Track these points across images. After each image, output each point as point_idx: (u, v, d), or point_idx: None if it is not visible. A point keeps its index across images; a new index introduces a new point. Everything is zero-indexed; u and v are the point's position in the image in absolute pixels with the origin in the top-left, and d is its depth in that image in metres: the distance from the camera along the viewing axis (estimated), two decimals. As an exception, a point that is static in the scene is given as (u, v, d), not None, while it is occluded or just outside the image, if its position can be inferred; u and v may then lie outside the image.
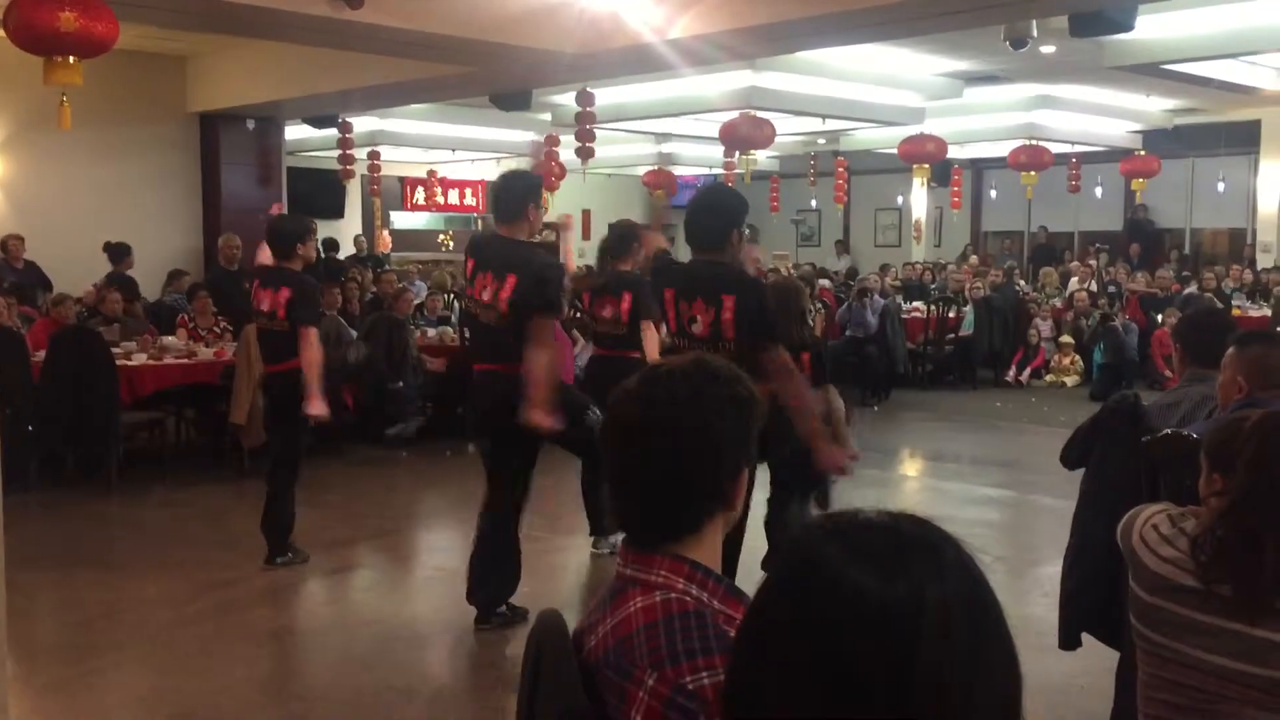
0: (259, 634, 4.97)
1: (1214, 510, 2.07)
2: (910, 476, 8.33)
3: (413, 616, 5.23)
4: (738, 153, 12.65)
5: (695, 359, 1.65)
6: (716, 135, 11.96)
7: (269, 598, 5.46)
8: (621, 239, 6.15)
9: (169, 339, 8.43)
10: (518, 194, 4.78)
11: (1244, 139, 15.33)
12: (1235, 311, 12.38)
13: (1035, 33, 8.11)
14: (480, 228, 19.89)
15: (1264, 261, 14.54)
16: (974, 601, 1.00)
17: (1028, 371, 12.45)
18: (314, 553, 6.36)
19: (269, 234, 5.94)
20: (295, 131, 12.94)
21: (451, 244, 19.33)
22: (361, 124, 13.41)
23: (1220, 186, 16.66)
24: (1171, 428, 3.32)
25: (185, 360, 8.04)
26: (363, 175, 14.85)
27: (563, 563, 5.96)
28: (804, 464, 4.42)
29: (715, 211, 4.36)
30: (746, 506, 1.72)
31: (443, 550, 6.64)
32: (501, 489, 4.86)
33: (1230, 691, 2.00)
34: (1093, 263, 15.41)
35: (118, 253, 10.26)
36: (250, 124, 11.61)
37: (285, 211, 13.70)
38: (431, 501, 7.68)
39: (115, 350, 7.79)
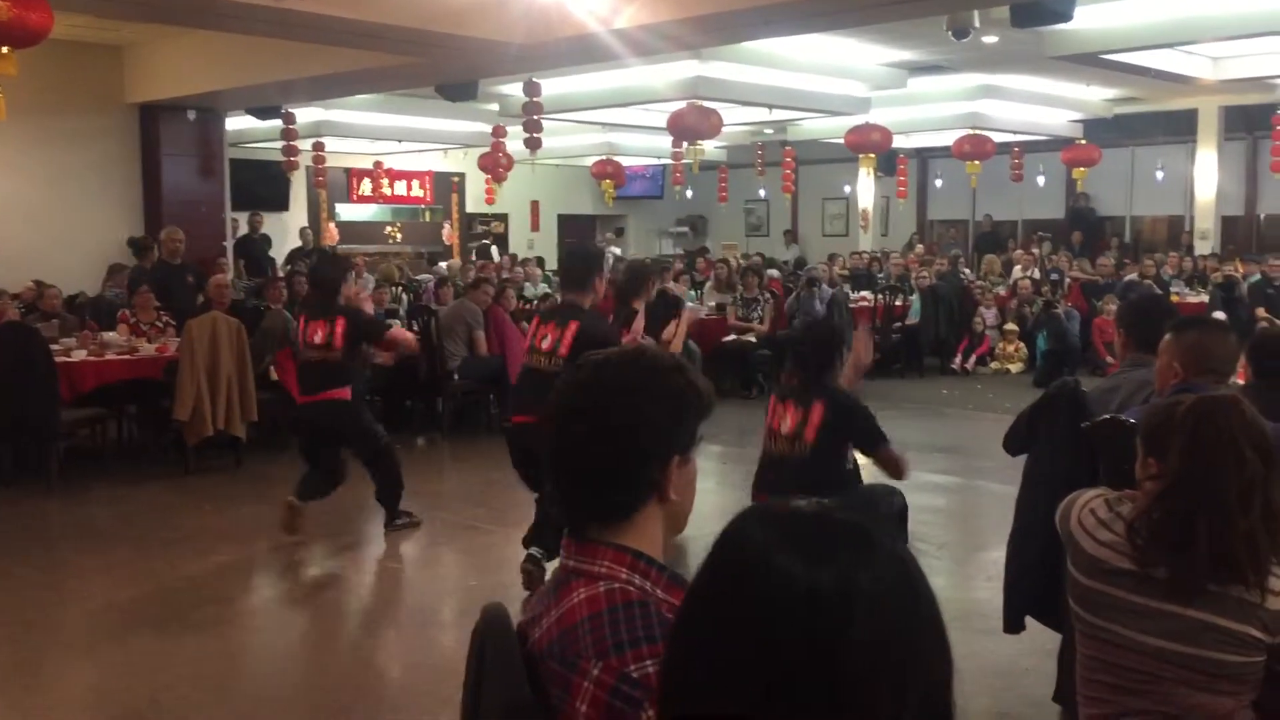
0: (205, 633, 4.90)
1: (1149, 494, 2.11)
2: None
3: (362, 611, 5.20)
4: (685, 143, 12.66)
5: (636, 348, 1.65)
6: (664, 125, 11.97)
7: (214, 596, 5.39)
8: (635, 277, 5.88)
9: (110, 334, 8.28)
10: (585, 265, 5.25)
11: (1181, 128, 15.61)
12: (1174, 298, 12.62)
13: (977, 23, 8.20)
14: (428, 219, 19.78)
15: (1201, 248, 14.82)
16: (905, 591, 1.00)
17: (973, 359, 12.60)
18: (261, 549, 6.30)
19: (311, 280, 6.58)
20: (238, 122, 12.76)
21: (400, 235, 19.19)
22: (306, 114, 13.26)
23: (1159, 175, 16.96)
24: (1110, 412, 3.38)
25: (127, 356, 7.90)
26: (307, 166, 14.70)
27: (512, 555, 5.93)
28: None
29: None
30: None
31: (390, 544, 6.58)
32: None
33: (1166, 672, 2.04)
34: (1036, 251, 15.62)
35: (141, 247, 10.09)
36: (191, 114, 11.42)
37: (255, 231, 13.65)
38: (380, 495, 7.62)
39: (55, 347, 7.65)
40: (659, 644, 1.43)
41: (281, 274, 12.17)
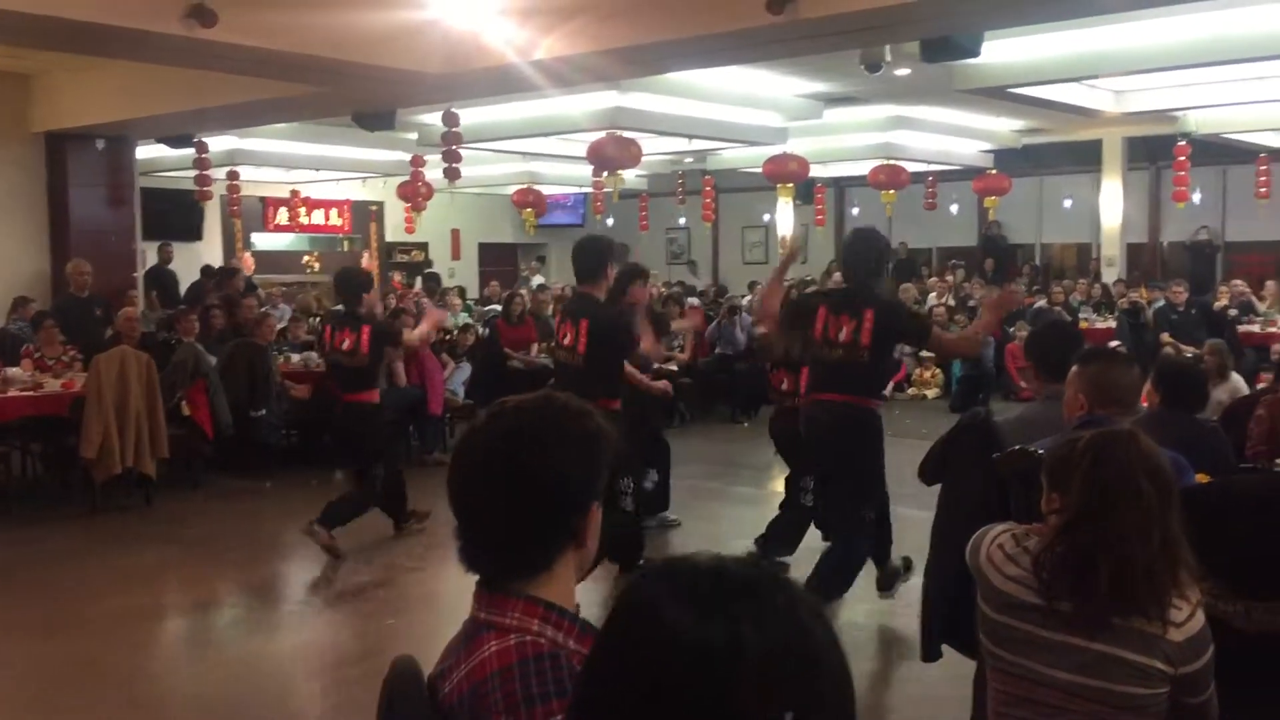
0: (113, 677, 4.75)
1: (1053, 529, 2.15)
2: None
3: (276, 654, 5.08)
4: (605, 172, 12.71)
5: (544, 395, 1.64)
6: (584, 155, 12.01)
7: (123, 638, 5.23)
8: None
9: (13, 370, 8.02)
10: (595, 256, 5.51)
11: (1087, 158, 16.08)
12: (1083, 324, 12.96)
13: (889, 57, 8.37)
14: (347, 248, 19.56)
15: (1109, 275, 15.24)
16: (798, 643, 1.00)
17: (890, 385, 12.76)
18: (172, 590, 6.14)
19: (338, 284, 7.09)
20: (149, 150, 12.51)
21: (318, 265, 18.93)
22: (219, 143, 13.03)
23: (1067, 203, 17.44)
24: (1020, 444, 3.44)
25: (31, 392, 7.66)
26: (222, 195, 14.45)
27: (434, 593, 5.86)
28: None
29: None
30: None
31: (307, 584, 6.46)
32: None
33: (1074, 705, 2.07)
34: (950, 278, 15.93)
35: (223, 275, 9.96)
36: (100, 144, 11.16)
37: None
38: (296, 533, 7.45)
39: (-46, 383, 7.40)
40: (568, 697, 1.42)
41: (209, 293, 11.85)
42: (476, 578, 1.60)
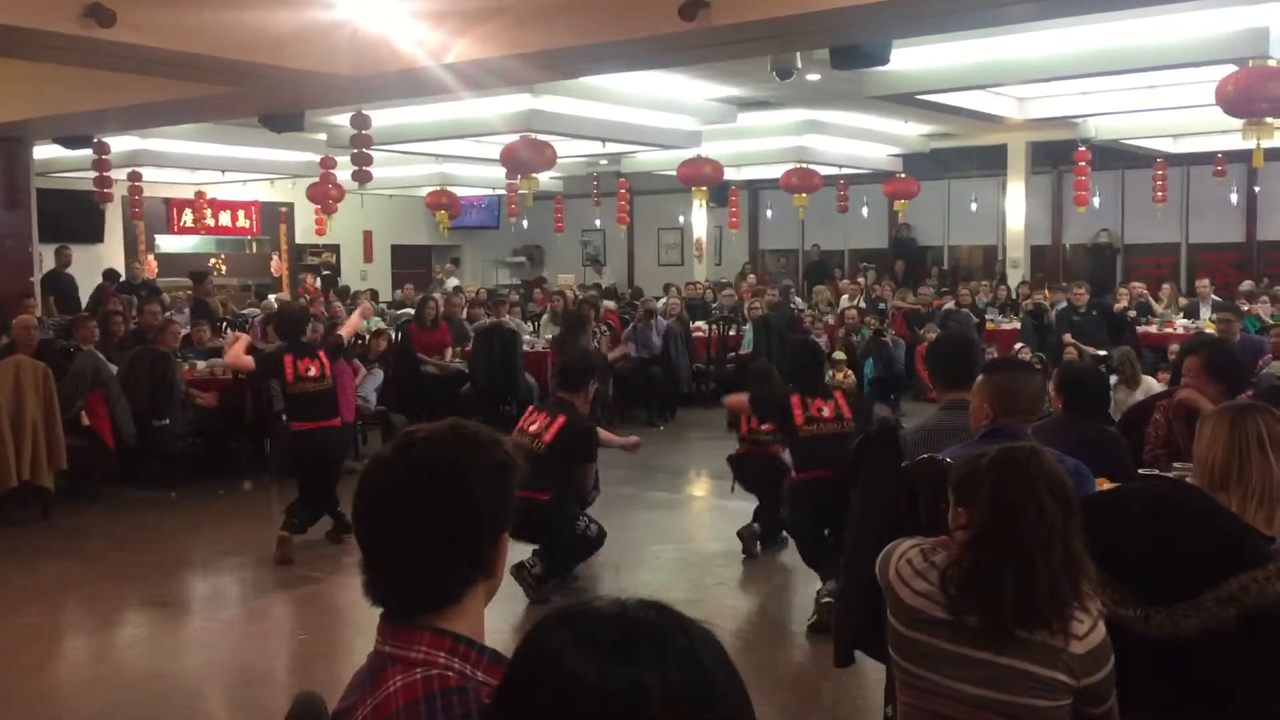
0: (12, 702, 4.58)
1: (959, 543, 2.19)
2: (697, 496, 8.50)
3: (182, 673, 4.94)
4: (520, 175, 12.63)
5: (452, 424, 1.61)
6: (498, 158, 11.93)
7: (22, 661, 5.05)
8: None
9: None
10: (583, 371, 6.05)
11: (993, 162, 16.45)
12: (989, 325, 13.25)
13: (800, 64, 8.45)
14: (255, 251, 19.16)
15: (1014, 277, 15.61)
16: (701, 689, 1.00)
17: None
18: (72, 609, 5.95)
19: (279, 325, 7.49)
20: (46, 150, 12.11)
21: (224, 268, 18.52)
22: (121, 143, 12.67)
23: (973, 206, 17.82)
24: (927, 452, 3.50)
25: (-80, 403, 7.35)
26: (123, 197, 14.05)
27: (346, 605, 5.77)
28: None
29: None
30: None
31: (215, 599, 6.32)
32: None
33: (980, 718, 2.11)
34: (861, 280, 16.16)
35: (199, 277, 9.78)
36: (-7, 144, 10.79)
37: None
38: (204, 546, 7.28)
39: None
40: (476, 733, 1.40)
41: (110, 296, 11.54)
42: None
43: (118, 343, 9.36)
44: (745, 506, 7.88)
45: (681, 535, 7.35)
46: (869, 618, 3.69)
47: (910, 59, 9.16)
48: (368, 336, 10.98)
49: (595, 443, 5.98)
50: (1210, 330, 10.28)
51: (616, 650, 0.99)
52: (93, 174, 11.87)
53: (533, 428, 5.79)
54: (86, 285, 13.93)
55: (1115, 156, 15.06)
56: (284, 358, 6.87)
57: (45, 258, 13.10)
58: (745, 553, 6.42)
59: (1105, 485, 3.40)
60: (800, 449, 5.62)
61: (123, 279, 14.56)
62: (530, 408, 6.21)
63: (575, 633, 1.01)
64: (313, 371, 6.80)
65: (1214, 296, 13.02)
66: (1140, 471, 4.00)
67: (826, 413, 5.57)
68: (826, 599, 5.08)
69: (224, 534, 7.43)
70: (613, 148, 13.91)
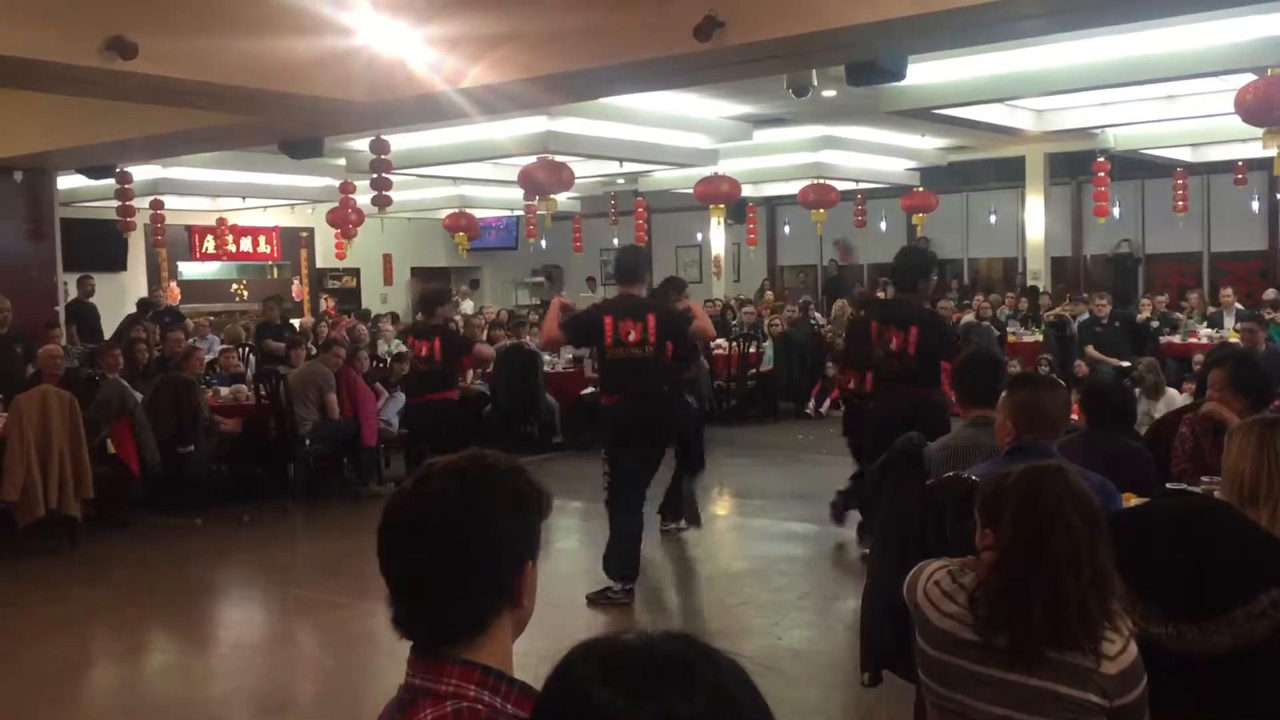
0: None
1: (987, 564, 2.17)
2: (719, 515, 8.47)
3: (212, 700, 4.95)
4: (538, 196, 12.69)
5: (472, 453, 1.61)
6: (515, 179, 11.98)
7: (50, 690, 5.07)
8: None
9: (-71, 411, 7.78)
10: (639, 263, 6.38)
11: (1011, 174, 16.41)
12: (1010, 338, 13.19)
13: (815, 81, 8.47)
14: (276, 276, 19.27)
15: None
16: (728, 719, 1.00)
17: (827, 403, 12.86)
18: (101, 637, 5.98)
19: (420, 300, 8.92)
20: (70, 180, 12.24)
21: (246, 293, 18.64)
22: (143, 171, 12.81)
23: (992, 219, 17.78)
24: (952, 470, 3.49)
25: (-52, 434, 7.43)
26: (145, 225, 14.18)
27: (372, 630, 5.77)
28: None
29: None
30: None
31: (241, 625, 6.34)
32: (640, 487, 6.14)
33: (1011, 740, 2.09)
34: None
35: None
36: (18, 176, 10.91)
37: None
38: (229, 572, 7.32)
39: None
40: (507, 766, 1.40)
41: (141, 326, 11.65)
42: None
43: (142, 370, 9.44)
44: (770, 525, 7.88)
45: (704, 555, 7.33)
46: (895, 637, 3.69)
47: (926, 73, 9.16)
48: (389, 360, 11.02)
49: (688, 317, 6.39)
50: (1234, 339, 10.22)
51: (644, 684, 0.99)
52: (115, 203, 11.99)
53: (631, 337, 5.95)
54: (111, 313, 14.05)
55: (1135, 166, 15.00)
56: (406, 339, 8.61)
57: (70, 287, 13.23)
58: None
59: (1133, 500, 3.37)
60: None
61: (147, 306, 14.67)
62: (608, 317, 6.07)
63: (602, 667, 1.02)
64: (424, 352, 8.18)
65: (1238, 305, 12.92)
66: (1168, 486, 3.97)
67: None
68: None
69: (249, 559, 7.46)
70: (630, 167, 13.95)
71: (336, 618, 6.06)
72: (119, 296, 15.25)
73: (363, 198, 12.28)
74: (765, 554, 7.12)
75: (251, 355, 12.06)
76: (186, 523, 8.24)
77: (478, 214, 16.64)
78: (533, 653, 1.65)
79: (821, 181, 14.12)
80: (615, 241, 20.12)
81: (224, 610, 6.71)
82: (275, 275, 19.36)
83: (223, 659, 5.64)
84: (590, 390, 11.25)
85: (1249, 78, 8.35)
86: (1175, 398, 7.87)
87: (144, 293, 16.10)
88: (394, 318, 15.36)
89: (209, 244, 17.79)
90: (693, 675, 1.01)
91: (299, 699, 5.09)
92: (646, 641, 1.04)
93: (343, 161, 12.89)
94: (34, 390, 7.44)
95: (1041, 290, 15.06)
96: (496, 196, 16.71)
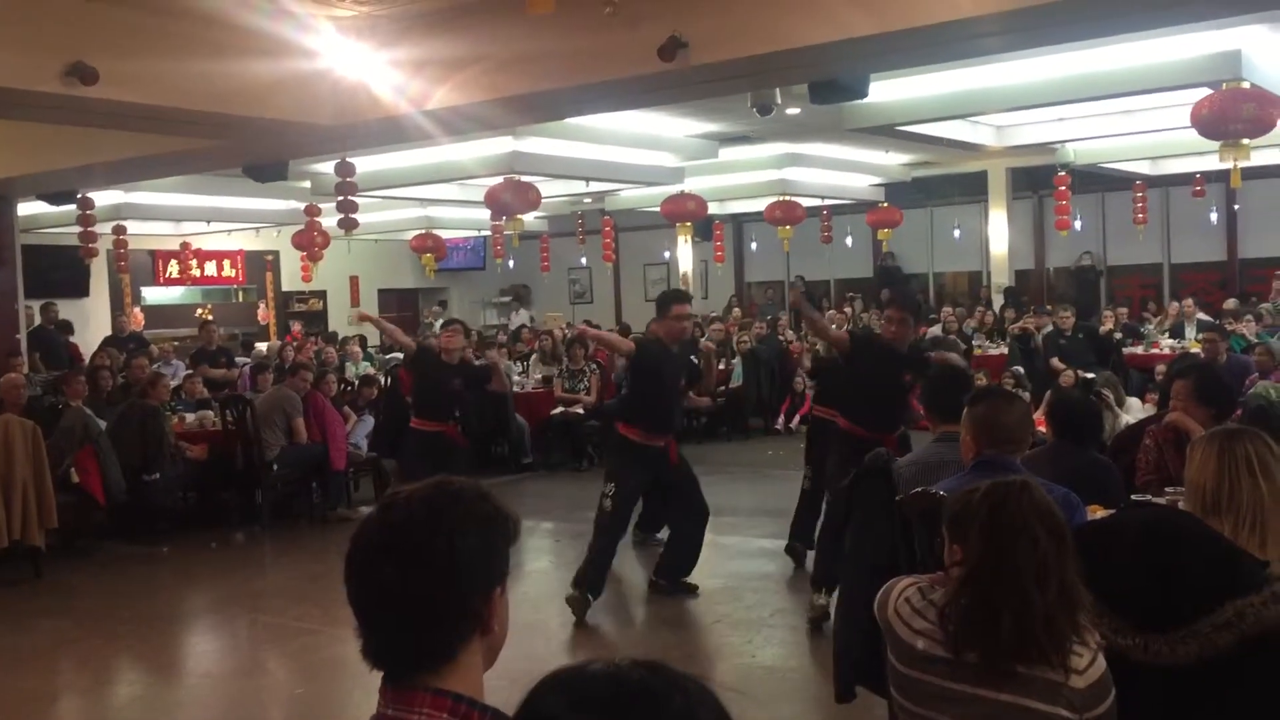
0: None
1: (955, 580, 2.19)
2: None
3: (179, 731, 4.89)
4: (505, 216, 12.68)
5: (437, 482, 1.61)
6: (482, 200, 11.97)
7: (14, 726, 5.00)
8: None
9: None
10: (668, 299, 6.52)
11: (974, 188, 16.58)
12: (976, 351, 13.28)
13: (779, 99, 8.53)
14: (242, 299, 19.11)
15: (998, 302, 15.67)
16: None
17: (796, 419, 12.91)
18: (67, 669, 5.89)
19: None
20: (30, 207, 12.12)
21: (211, 318, 18.48)
22: (105, 196, 12.69)
23: (956, 233, 17.93)
24: (920, 485, 3.51)
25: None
26: (108, 250, 14.05)
27: (342, 656, 5.72)
28: None
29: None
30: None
31: (209, 654, 6.27)
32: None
33: (983, 755, 2.11)
34: (848, 309, 16.21)
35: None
36: (-23, 203, 10.81)
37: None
38: (196, 600, 7.24)
39: None
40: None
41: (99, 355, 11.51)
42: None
43: (106, 397, 9.34)
44: (742, 543, 7.88)
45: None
46: (868, 653, 3.71)
47: (889, 91, 9.25)
48: (356, 383, 10.96)
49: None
50: (1196, 350, 10.34)
51: (612, 714, 0.99)
52: (77, 229, 11.89)
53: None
54: (74, 339, 13.91)
55: (1095, 180, 15.19)
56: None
57: (35, 315, 13.10)
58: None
59: (1098, 512, 3.41)
60: None
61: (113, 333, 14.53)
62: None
63: (571, 697, 1.02)
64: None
65: (1200, 315, 13.09)
66: (1133, 498, 4.01)
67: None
68: None
69: (217, 587, 7.38)
70: (596, 186, 13.98)
71: (305, 644, 6.01)
72: (82, 323, 15.08)
73: (328, 220, 12.24)
74: (738, 571, 7.12)
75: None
76: (153, 551, 8.15)
77: (445, 235, 16.60)
78: (504, 675, 1.65)
79: (787, 198, 14.20)
80: (583, 261, 20.18)
81: (192, 639, 6.63)
82: (240, 299, 19.24)
83: (191, 689, 5.57)
84: (559, 410, 11.26)
85: (1204, 92, 8.49)
86: (1135, 406, 7.95)
87: (108, 318, 15.97)
88: (361, 341, 15.25)
89: (173, 268, 17.67)
90: (661, 705, 1.01)
91: (269, 728, 5.03)
92: (614, 671, 1.05)
93: (308, 184, 12.84)
94: (-5, 419, 7.33)
95: (1003, 304, 15.19)
96: (463, 217, 16.69)
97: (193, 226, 16.06)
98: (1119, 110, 10.94)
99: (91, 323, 15.77)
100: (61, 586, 7.32)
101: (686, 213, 13.69)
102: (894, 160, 14.90)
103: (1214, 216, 16.26)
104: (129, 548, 8.18)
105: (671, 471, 6.43)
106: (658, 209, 14.01)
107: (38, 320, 13.27)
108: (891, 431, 6.02)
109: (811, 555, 6.63)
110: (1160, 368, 10.08)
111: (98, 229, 12.16)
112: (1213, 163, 10.64)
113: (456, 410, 8.30)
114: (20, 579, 7.36)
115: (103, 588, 7.34)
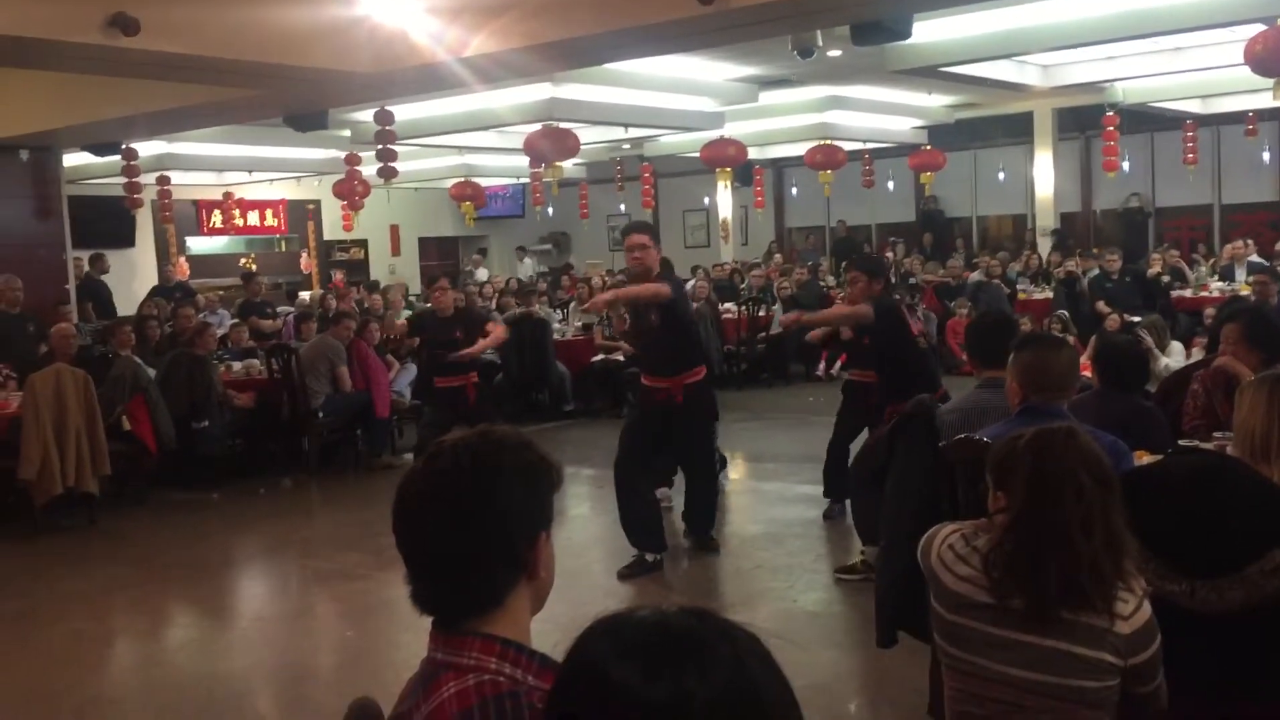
0: (64, 706, 4.67)
1: (1000, 527, 2.18)
2: (731, 479, 8.49)
3: (231, 675, 5.01)
4: (543, 163, 12.65)
5: (480, 431, 1.63)
6: (521, 147, 11.93)
7: (72, 665, 5.14)
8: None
9: (-56, 392, 7.83)
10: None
11: (1019, 130, 16.29)
12: (1021, 295, 13.15)
13: (820, 41, 8.40)
14: (284, 249, 19.26)
15: (1044, 245, 15.46)
16: (744, 695, 1.01)
17: (837, 365, 12.83)
18: (121, 612, 6.04)
19: None
20: (75, 158, 12.23)
21: (255, 267, 18.64)
22: (149, 147, 12.76)
23: (1001, 176, 17.66)
24: (964, 432, 3.49)
25: (-37, 415, 7.48)
26: (152, 200, 14.18)
27: (391, 600, 5.82)
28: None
29: None
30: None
31: (260, 598, 6.40)
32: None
33: (1028, 701, 2.11)
34: (890, 254, 16.06)
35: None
36: (24, 154, 10.92)
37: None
38: (246, 546, 7.38)
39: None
40: (530, 737, 1.42)
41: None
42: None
43: (154, 347, 9.48)
44: (783, 489, 7.90)
45: (719, 519, 7.35)
46: (910, 599, 3.71)
47: (932, 31, 9.09)
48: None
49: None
50: (1245, 292, 10.17)
51: (659, 660, 1.00)
52: (122, 179, 11.99)
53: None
54: (121, 289, 14.10)
55: (1144, 119, 14.87)
56: None
57: (83, 264, 13.27)
58: None
59: (1145, 459, 3.38)
60: None
61: (159, 283, 14.72)
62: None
63: (618, 643, 1.03)
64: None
65: (1253, 258, 12.82)
66: (1180, 443, 3.97)
67: None
68: None
69: (266, 533, 7.52)
70: (635, 132, 13.89)
71: (354, 588, 6.12)
72: (128, 272, 15.27)
73: (368, 169, 12.25)
74: (779, 517, 7.15)
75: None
76: (203, 498, 8.31)
77: (484, 183, 16.59)
78: (551, 620, 1.68)
79: (828, 142, 14.04)
80: (622, 208, 20.10)
81: (242, 584, 6.77)
82: (283, 248, 19.37)
83: (242, 633, 5.70)
84: (600, 357, 11.29)
85: (1258, 28, 8.26)
86: (1178, 350, 7.85)
87: (153, 268, 16.16)
88: (404, 289, 15.32)
89: (216, 218, 17.79)
90: (708, 652, 1.02)
91: (319, 671, 5.14)
92: (661, 618, 1.06)
93: (348, 133, 12.85)
94: (48, 369, 7.47)
95: (1050, 241, 14.95)
96: (502, 165, 16.66)
97: (235, 176, 16.14)
98: (1169, 48, 10.68)
99: (139, 273, 15.96)
100: (115, 532, 7.48)
101: (726, 158, 13.56)
102: (937, 102, 14.65)
103: (1266, 156, 15.88)
104: (180, 494, 8.34)
105: (678, 420, 6.09)
106: (697, 155, 13.91)
107: (86, 270, 13.44)
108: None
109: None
110: (1209, 311, 9.92)
111: (142, 179, 12.25)
112: (1266, 100, 10.40)
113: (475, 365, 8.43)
114: (75, 525, 7.53)
115: (155, 534, 7.50)
